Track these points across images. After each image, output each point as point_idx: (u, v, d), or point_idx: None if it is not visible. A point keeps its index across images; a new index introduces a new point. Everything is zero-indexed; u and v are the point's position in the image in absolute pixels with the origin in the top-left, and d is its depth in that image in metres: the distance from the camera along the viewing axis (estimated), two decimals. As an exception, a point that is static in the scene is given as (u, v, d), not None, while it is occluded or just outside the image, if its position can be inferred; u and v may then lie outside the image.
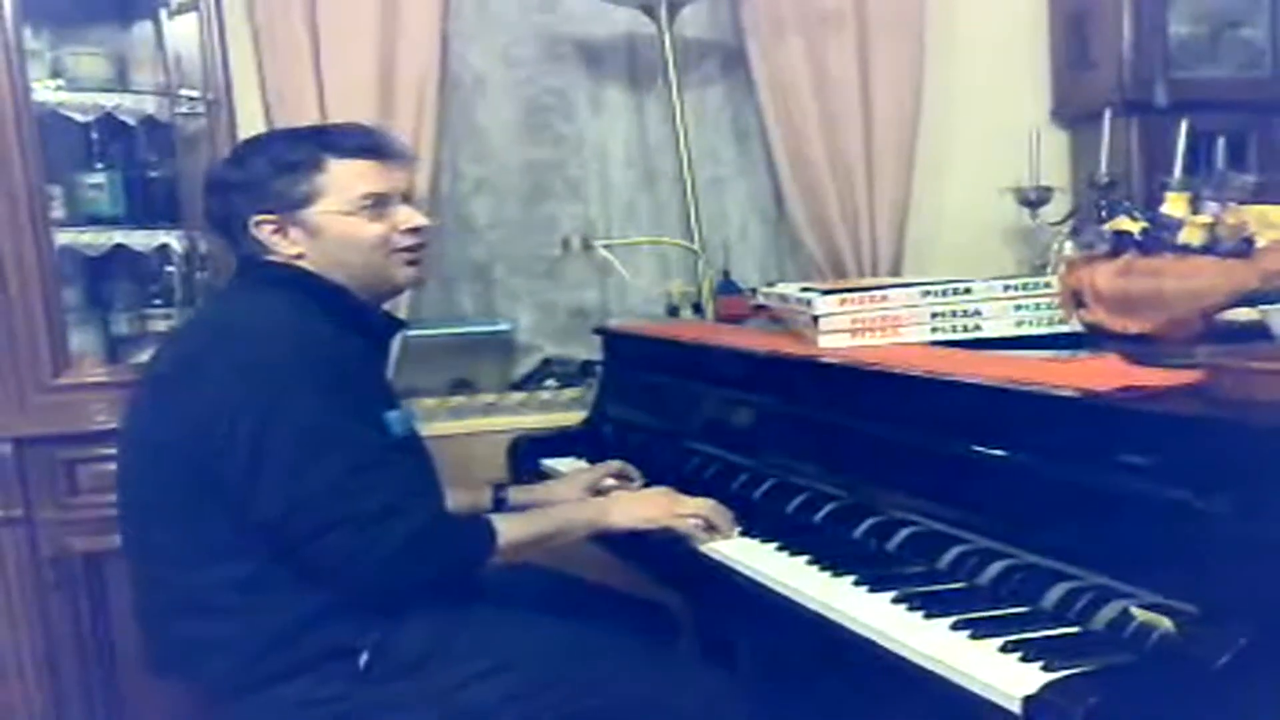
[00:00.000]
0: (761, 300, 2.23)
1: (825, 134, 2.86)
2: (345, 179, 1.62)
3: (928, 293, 1.90)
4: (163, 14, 2.44)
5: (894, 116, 2.88)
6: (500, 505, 1.92)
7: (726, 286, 2.77)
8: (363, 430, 1.55)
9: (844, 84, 2.86)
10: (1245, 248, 1.54)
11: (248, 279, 1.69)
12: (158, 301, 2.44)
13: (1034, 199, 2.74)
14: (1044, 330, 1.89)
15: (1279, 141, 2.98)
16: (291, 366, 1.50)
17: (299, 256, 1.63)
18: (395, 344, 2.42)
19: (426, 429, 2.35)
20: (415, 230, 1.68)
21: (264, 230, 1.63)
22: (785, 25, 2.83)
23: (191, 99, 2.42)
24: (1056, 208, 2.78)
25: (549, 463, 2.22)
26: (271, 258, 1.64)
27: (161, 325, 2.38)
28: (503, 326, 2.82)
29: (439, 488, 1.69)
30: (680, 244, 2.78)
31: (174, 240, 2.40)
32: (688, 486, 1.83)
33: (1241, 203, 2.52)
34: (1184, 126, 2.62)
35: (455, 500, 1.82)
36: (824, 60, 2.85)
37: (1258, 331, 1.49)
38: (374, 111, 2.56)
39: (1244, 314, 1.51)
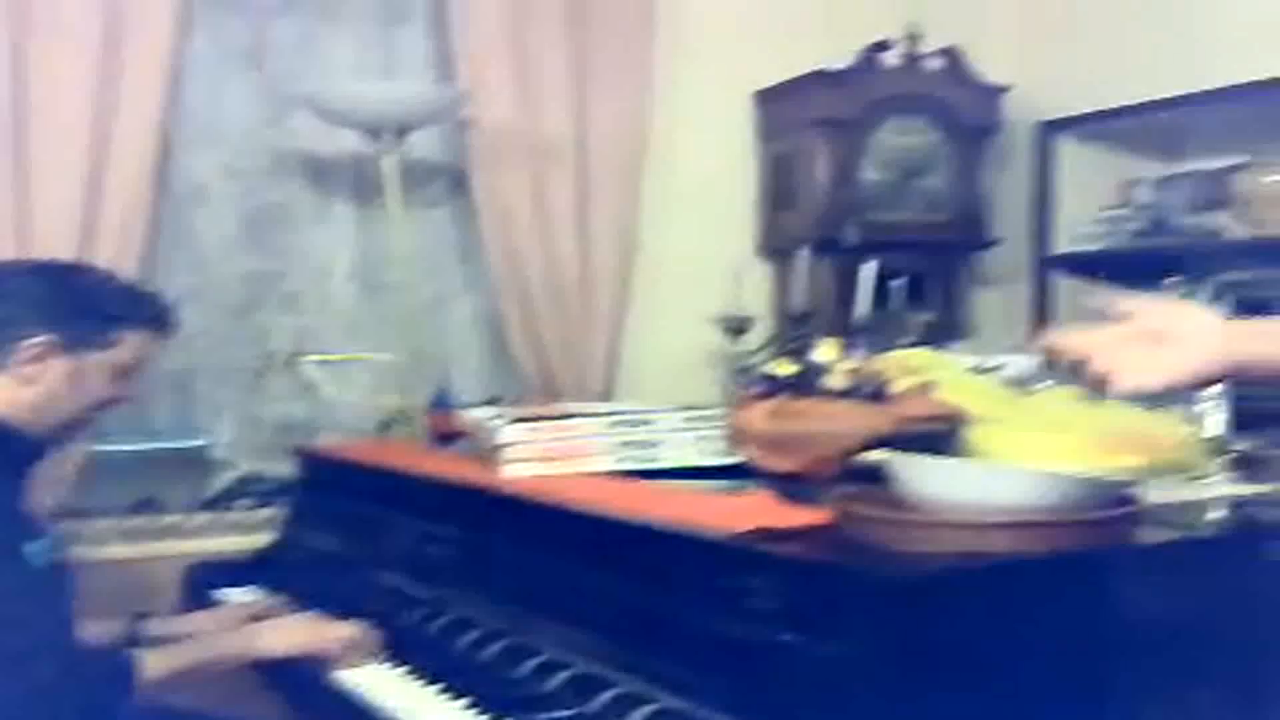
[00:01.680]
0: (462, 425, 2.21)
1: (544, 260, 2.90)
2: (134, 344, 1.64)
3: (615, 422, 1.93)
4: None
5: (611, 247, 2.95)
6: (135, 637, 1.80)
7: (442, 403, 2.74)
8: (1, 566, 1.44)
9: (563, 215, 2.91)
10: (881, 392, 1.62)
11: None
12: None
13: (737, 328, 2.84)
14: (724, 461, 1.93)
15: (957, 280, 3.21)
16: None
17: (28, 382, 1.54)
18: (69, 461, 2.29)
19: (101, 553, 2.23)
20: (125, 399, 1.70)
21: (29, 351, 1.54)
22: (508, 156, 2.87)
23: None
24: (758, 336, 2.89)
25: (225, 593, 2.11)
26: None
27: None
28: (194, 441, 2.70)
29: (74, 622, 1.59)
30: (382, 359, 2.73)
31: None
32: (371, 619, 1.78)
33: (912, 344, 2.68)
34: (867, 267, 2.79)
35: (90, 632, 1.71)
36: (544, 191, 2.90)
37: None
38: (80, 208, 2.44)
39: (881, 456, 1.59)
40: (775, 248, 3.17)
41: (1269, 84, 2.83)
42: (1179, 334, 1.18)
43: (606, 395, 2.90)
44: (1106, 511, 1.29)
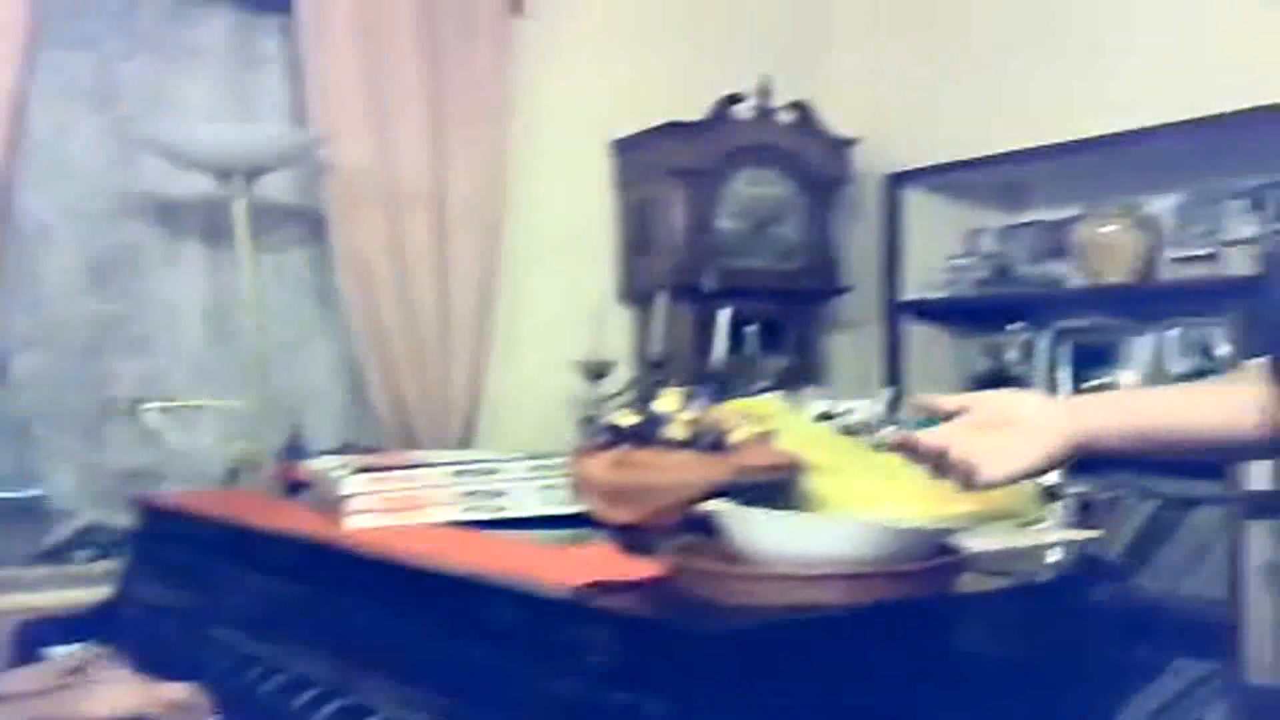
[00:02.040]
0: (307, 475, 2.15)
1: (402, 306, 2.85)
2: None
3: (460, 471, 1.88)
4: None
5: (472, 293, 2.92)
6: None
7: (293, 451, 2.66)
8: None
9: (421, 260, 2.87)
10: (721, 442, 1.62)
11: None
12: None
13: (597, 373, 2.83)
14: (570, 510, 1.90)
15: (810, 326, 3.25)
16: None
17: None
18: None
19: (-79, 613, 2.10)
20: None
21: None
22: (365, 200, 2.82)
23: None
24: (618, 380, 2.88)
25: (56, 650, 2.00)
26: None
27: None
28: (32, 491, 2.56)
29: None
30: (230, 405, 2.65)
31: None
32: (207, 677, 1.70)
33: (767, 389, 2.69)
34: (722, 313, 2.82)
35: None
36: (403, 236, 2.86)
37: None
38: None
39: (718, 506, 1.58)
40: (635, 293, 3.17)
41: (1103, 140, 2.94)
42: (1022, 418, 1.20)
43: (466, 443, 2.86)
44: (932, 561, 1.30)
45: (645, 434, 1.65)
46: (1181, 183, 3.00)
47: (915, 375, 3.38)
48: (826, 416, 2.52)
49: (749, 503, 1.69)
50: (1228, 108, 2.69)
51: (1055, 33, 3.12)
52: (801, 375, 3.01)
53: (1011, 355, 3.14)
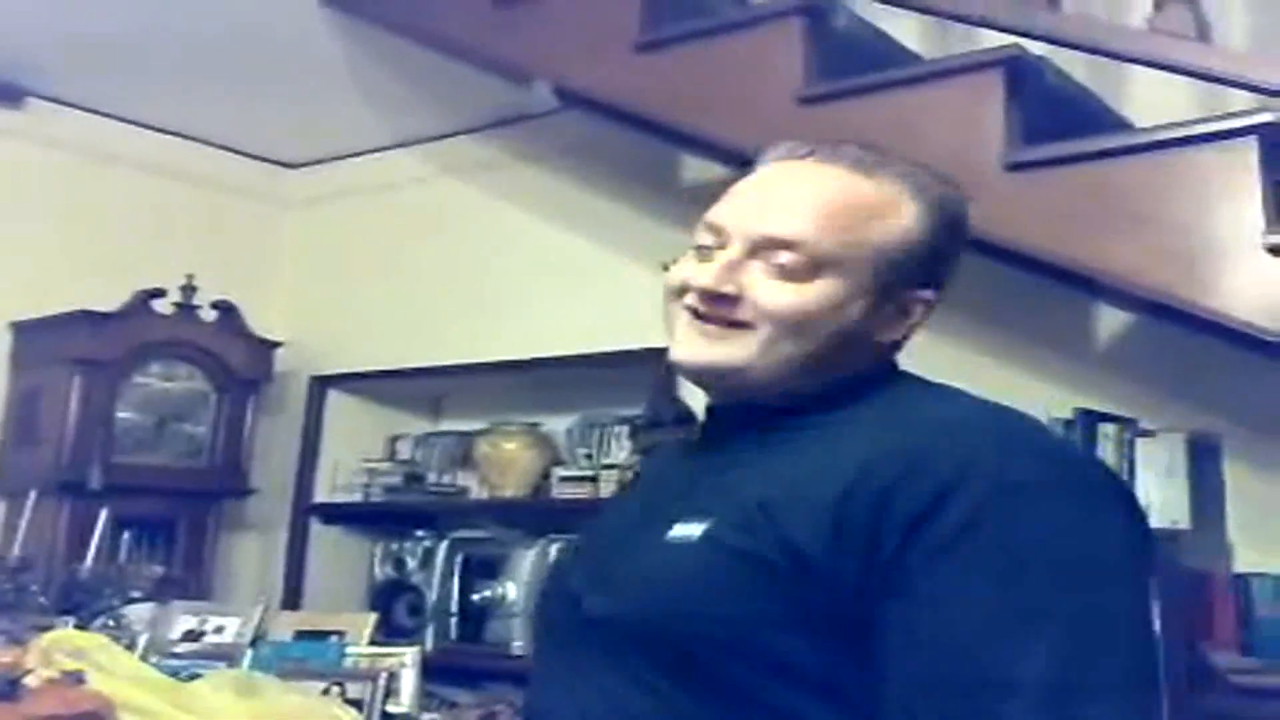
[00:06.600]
0: None
1: None
2: None
3: None
4: None
5: None
6: None
7: None
8: None
9: None
10: (10, 689, 1.42)
11: None
12: None
13: (-67, 578, 2.44)
14: None
15: (208, 528, 3.05)
16: None
17: None
18: None
19: None
20: None
21: None
22: None
23: None
24: (-29, 586, 2.50)
25: None
26: None
27: None
28: None
29: None
30: None
31: None
32: None
33: (139, 599, 2.47)
34: (103, 514, 2.58)
35: None
36: None
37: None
38: None
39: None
40: (13, 487, 2.82)
41: (511, 364, 3.08)
42: None
43: None
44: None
45: (-79, 679, 1.41)
46: (576, 406, 3.20)
47: (320, 581, 3.27)
48: (193, 635, 2.34)
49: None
50: (612, 347, 2.90)
51: (474, 266, 3.26)
52: (182, 584, 2.79)
53: (412, 563, 3.12)
